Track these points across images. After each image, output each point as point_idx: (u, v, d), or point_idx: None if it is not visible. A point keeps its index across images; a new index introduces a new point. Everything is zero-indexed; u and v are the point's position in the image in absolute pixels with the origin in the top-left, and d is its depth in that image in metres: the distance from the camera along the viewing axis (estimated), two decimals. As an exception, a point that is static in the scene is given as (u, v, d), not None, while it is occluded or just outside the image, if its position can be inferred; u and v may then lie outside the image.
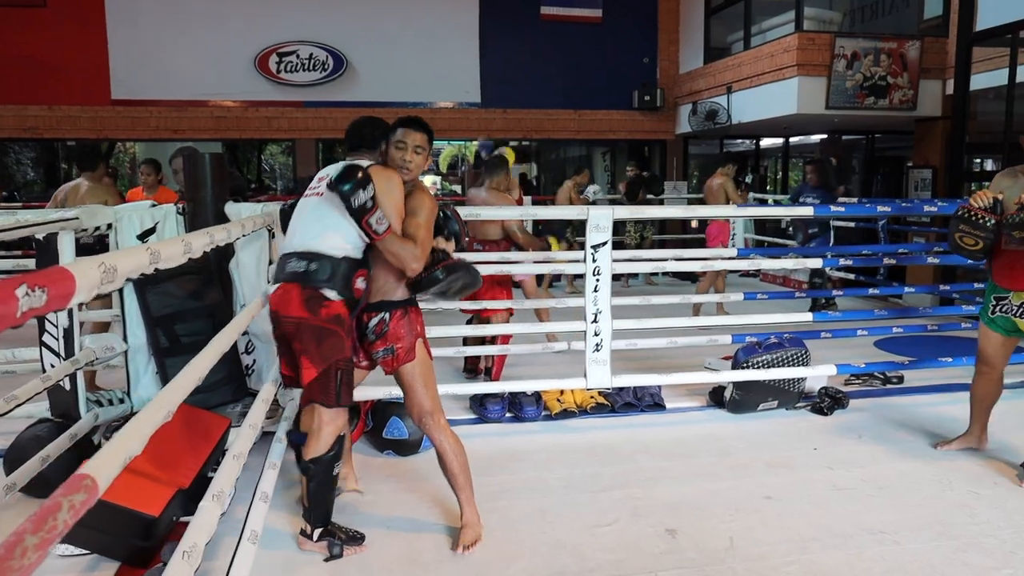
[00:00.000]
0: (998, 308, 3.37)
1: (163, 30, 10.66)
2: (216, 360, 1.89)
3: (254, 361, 3.66)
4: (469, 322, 4.98)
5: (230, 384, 3.47)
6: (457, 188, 14.24)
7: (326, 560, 2.60)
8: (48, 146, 11.15)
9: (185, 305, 3.32)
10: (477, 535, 2.72)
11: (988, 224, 3.20)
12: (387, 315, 2.65)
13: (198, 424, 2.91)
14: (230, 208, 3.52)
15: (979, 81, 7.78)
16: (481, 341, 4.60)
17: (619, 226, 9.72)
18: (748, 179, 10.46)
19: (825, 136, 11.33)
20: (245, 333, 3.73)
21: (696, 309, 6.67)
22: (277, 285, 2.54)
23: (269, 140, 12.28)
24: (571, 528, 2.86)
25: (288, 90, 11.07)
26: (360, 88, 11.25)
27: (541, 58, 11.68)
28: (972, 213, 3.25)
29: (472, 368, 5.05)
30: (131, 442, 1.17)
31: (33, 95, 10.43)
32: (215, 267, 3.61)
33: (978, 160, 9.45)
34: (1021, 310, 3.28)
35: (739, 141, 12.17)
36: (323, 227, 2.52)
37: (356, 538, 2.68)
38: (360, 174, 2.39)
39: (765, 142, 12.09)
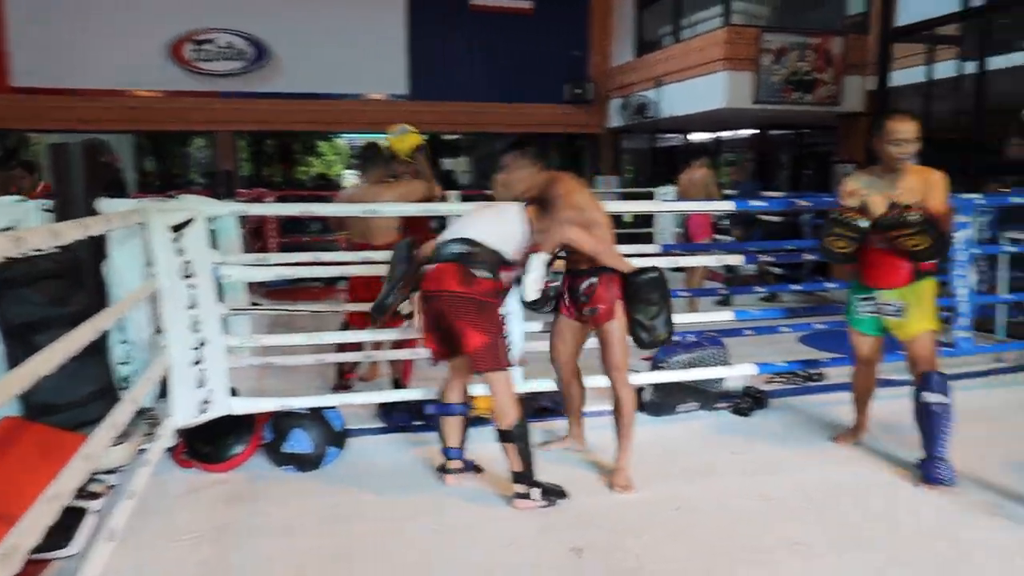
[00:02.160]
0: (863, 309, 3.39)
1: (70, 12, 10.01)
2: (30, 381, 1.62)
3: (134, 372, 3.34)
4: (345, 327, 4.47)
5: (104, 398, 3.14)
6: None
7: (543, 507, 2.93)
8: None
9: (46, 312, 2.97)
10: (628, 479, 3.15)
11: (860, 225, 3.17)
12: (596, 280, 3.13)
13: (54, 446, 2.59)
14: (103, 205, 3.20)
15: (899, 78, 7.87)
16: (358, 349, 4.30)
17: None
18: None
19: (756, 131, 11.38)
20: (124, 341, 3.42)
21: (694, 305, 6.39)
22: (433, 266, 2.87)
23: (186, 132, 11.73)
24: (471, 548, 2.66)
25: (205, 80, 10.56)
26: (284, 79, 10.81)
27: (471, 50, 11.43)
28: (846, 215, 3.20)
29: (346, 384, 4.49)
30: None
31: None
32: (89, 270, 3.28)
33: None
34: (888, 308, 3.28)
35: (669, 136, 12.15)
36: (490, 229, 2.89)
37: (561, 492, 3.01)
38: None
39: (694, 137, 12.09)
